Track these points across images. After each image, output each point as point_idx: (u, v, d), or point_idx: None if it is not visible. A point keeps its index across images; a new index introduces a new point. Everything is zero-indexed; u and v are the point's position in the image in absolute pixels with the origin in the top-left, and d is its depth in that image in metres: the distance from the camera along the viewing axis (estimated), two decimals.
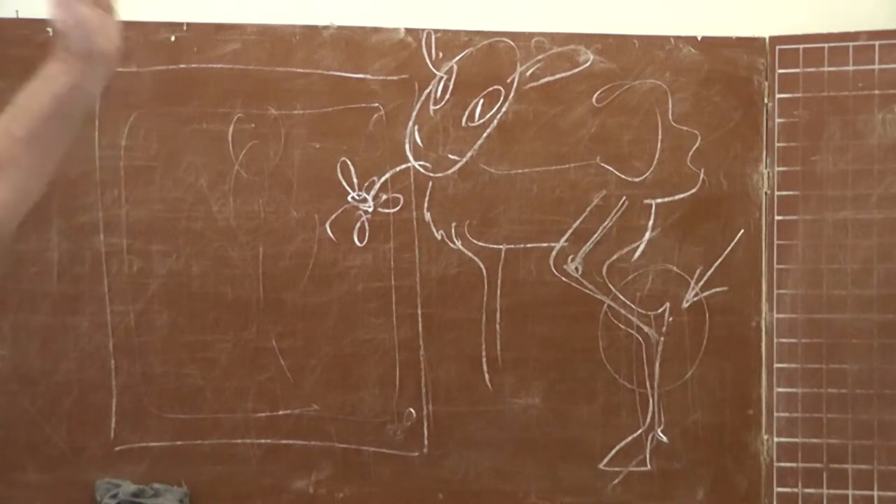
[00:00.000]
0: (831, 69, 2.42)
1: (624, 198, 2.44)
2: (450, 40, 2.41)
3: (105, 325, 2.36)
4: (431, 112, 2.41)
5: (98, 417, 2.36)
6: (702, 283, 2.45)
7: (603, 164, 2.44)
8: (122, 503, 2.30)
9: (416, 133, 2.41)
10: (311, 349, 2.41)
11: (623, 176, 2.44)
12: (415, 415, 2.42)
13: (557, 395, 2.45)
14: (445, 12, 2.46)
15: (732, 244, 2.45)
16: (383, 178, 2.41)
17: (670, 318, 2.45)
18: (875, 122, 2.41)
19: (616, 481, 2.45)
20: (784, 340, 2.44)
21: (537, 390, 2.44)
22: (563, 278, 2.44)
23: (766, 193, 2.46)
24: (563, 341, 2.44)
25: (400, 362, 2.42)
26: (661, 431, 2.45)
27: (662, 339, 2.45)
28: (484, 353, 2.43)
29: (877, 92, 2.40)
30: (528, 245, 2.43)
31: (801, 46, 2.43)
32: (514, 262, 2.43)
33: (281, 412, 2.41)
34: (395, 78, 2.41)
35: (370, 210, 2.41)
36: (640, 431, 2.45)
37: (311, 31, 2.40)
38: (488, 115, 2.42)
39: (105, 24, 1.09)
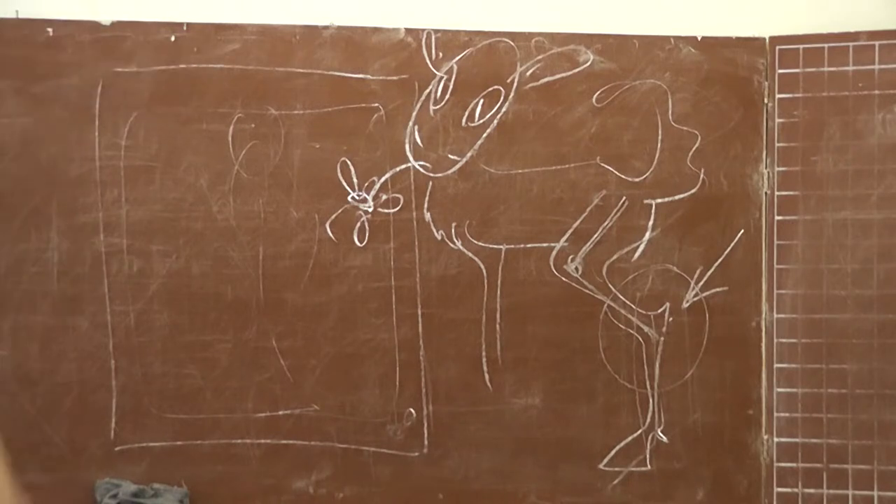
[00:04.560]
0: (831, 69, 2.42)
1: (624, 198, 2.44)
2: (450, 40, 2.41)
3: (105, 325, 2.36)
4: (431, 112, 2.41)
5: (98, 417, 2.36)
6: (702, 283, 2.45)
7: (603, 164, 2.44)
8: (122, 503, 2.30)
9: (416, 133, 2.41)
10: (311, 349, 2.41)
11: (623, 176, 2.44)
12: (415, 415, 2.42)
13: (557, 395, 2.45)
14: (445, 12, 2.46)
15: (732, 244, 2.45)
16: (383, 179, 2.41)
17: (670, 318, 2.45)
18: (875, 122, 2.41)
19: (616, 481, 2.45)
20: (784, 340, 2.44)
21: (537, 390, 2.44)
22: (563, 278, 2.44)
23: (766, 193, 2.46)
24: (563, 341, 2.44)
25: (400, 362, 2.42)
26: (661, 431, 2.45)
27: (662, 339, 2.45)
28: (484, 353, 2.43)
29: (877, 92, 2.40)
30: (528, 245, 2.43)
31: (801, 46, 2.44)
32: (514, 262, 2.43)
33: (281, 412, 2.41)
34: (395, 78, 2.41)
35: (370, 210, 2.41)
36: (640, 431, 2.45)
37: (311, 31, 2.40)
38: (488, 116, 2.42)
39: None
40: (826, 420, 2.42)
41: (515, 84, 2.42)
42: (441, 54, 2.41)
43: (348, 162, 2.40)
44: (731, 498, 2.46)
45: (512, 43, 2.42)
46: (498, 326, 2.43)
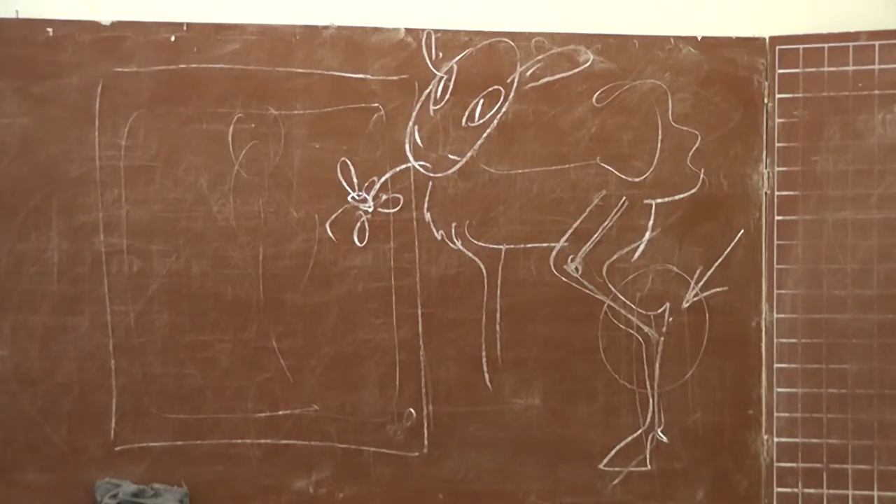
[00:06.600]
0: (831, 69, 2.42)
1: (624, 198, 2.44)
2: (450, 40, 2.41)
3: (105, 325, 2.36)
4: (431, 112, 2.41)
5: (98, 417, 2.36)
6: (702, 283, 2.45)
7: (603, 164, 2.44)
8: (122, 503, 2.30)
9: (416, 133, 2.41)
10: (311, 349, 2.41)
11: (623, 176, 2.44)
12: (415, 415, 2.42)
13: (557, 395, 2.45)
14: (445, 12, 2.46)
15: (732, 244, 2.46)
16: (383, 179, 2.41)
17: (670, 318, 2.45)
18: (875, 122, 2.41)
19: (616, 481, 2.45)
20: (784, 340, 2.44)
21: (537, 390, 2.44)
22: (563, 278, 2.44)
23: (766, 193, 2.46)
24: (563, 341, 2.44)
25: (400, 362, 2.42)
26: (661, 431, 2.45)
27: (662, 339, 2.45)
28: (484, 353, 2.43)
29: (877, 92, 2.40)
30: (528, 245, 2.43)
31: (801, 46, 2.44)
32: (514, 262, 2.43)
33: (281, 412, 2.41)
34: (395, 78, 2.41)
35: (370, 210, 2.41)
36: (640, 431, 2.45)
37: (311, 31, 2.40)
38: (488, 116, 2.42)
39: None
40: (826, 420, 2.42)
41: (515, 84, 2.42)
42: (441, 54, 2.41)
43: (348, 162, 2.40)
44: (731, 498, 2.46)
45: (512, 43, 2.42)
46: (498, 326, 2.43)
